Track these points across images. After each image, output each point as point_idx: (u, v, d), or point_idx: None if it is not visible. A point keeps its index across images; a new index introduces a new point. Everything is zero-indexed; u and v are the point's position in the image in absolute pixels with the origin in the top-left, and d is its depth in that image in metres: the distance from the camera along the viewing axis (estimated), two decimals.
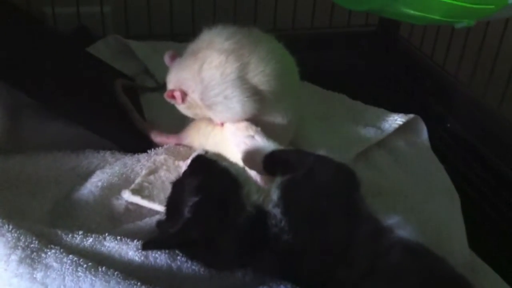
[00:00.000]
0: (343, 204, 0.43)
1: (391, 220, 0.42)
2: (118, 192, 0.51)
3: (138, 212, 0.51)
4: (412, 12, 0.50)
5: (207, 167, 0.44)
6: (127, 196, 0.50)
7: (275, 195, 0.43)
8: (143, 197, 0.50)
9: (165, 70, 0.70)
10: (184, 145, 0.57)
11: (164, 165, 0.53)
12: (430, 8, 0.49)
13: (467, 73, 0.76)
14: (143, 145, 0.56)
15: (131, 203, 0.51)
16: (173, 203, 0.44)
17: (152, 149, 0.56)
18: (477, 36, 0.74)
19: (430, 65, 0.82)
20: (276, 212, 0.42)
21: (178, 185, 0.44)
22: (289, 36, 0.84)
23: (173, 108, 0.66)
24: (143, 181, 0.51)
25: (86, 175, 0.53)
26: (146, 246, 0.42)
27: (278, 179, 0.44)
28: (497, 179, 0.67)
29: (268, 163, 0.47)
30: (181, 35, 0.78)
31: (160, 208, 0.49)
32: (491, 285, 0.50)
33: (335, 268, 0.40)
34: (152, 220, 0.49)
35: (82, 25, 0.77)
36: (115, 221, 0.50)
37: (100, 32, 0.78)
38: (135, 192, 0.50)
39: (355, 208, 0.43)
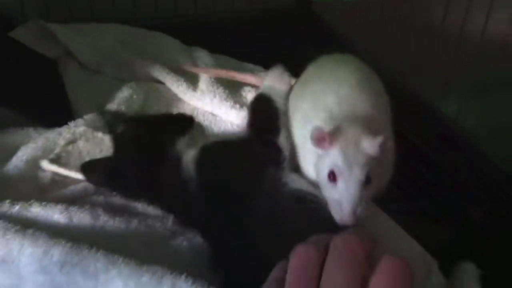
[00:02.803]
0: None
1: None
2: None
3: (64, 182, 0.54)
4: None
5: None
6: (45, 165, 0.54)
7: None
8: (60, 165, 0.54)
9: (87, 51, 0.74)
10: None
11: (83, 136, 0.57)
12: None
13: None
14: (65, 119, 0.60)
15: (56, 174, 0.54)
16: None
17: (73, 121, 0.59)
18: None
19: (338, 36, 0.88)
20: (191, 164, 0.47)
21: None
22: (211, 16, 0.90)
23: (96, 87, 0.70)
24: (61, 151, 0.55)
25: (11, 152, 0.56)
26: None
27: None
28: None
29: None
30: (102, 18, 0.82)
31: (77, 175, 0.53)
32: None
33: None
34: (76, 187, 0.53)
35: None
36: (43, 192, 0.53)
37: (20, 17, 0.79)
38: (52, 161, 0.54)
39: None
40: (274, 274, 0.35)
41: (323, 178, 0.43)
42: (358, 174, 0.42)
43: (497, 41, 0.64)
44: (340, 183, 0.42)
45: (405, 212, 0.50)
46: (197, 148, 0.48)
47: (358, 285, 0.31)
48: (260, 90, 0.58)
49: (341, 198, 0.42)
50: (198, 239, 0.48)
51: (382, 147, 0.42)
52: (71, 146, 0.55)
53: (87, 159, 0.54)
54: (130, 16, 0.86)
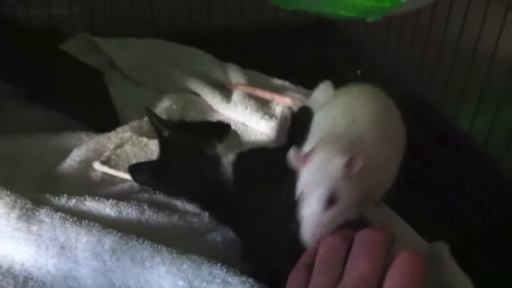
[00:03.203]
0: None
1: None
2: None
3: (112, 181, 0.61)
4: (329, 11, 0.62)
5: None
6: (97, 166, 0.61)
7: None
8: (110, 166, 0.60)
9: (128, 63, 0.81)
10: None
11: (130, 141, 0.64)
12: (343, 7, 0.61)
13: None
14: (112, 124, 0.66)
15: (106, 174, 0.61)
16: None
17: (120, 127, 0.66)
18: (410, 26, 0.84)
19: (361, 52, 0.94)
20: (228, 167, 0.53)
21: None
22: (239, 27, 0.96)
23: (138, 96, 0.77)
24: (111, 154, 0.62)
25: (66, 153, 0.63)
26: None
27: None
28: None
29: None
30: (142, 31, 0.89)
31: (125, 176, 0.60)
32: None
33: None
34: (123, 186, 0.59)
35: (52, 26, 0.86)
36: (93, 189, 0.59)
37: (70, 32, 0.87)
38: (103, 163, 0.61)
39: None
40: (303, 258, 0.40)
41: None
42: (319, 193, 0.42)
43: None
44: (305, 201, 0.42)
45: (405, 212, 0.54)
46: (234, 153, 0.54)
47: (379, 274, 0.35)
48: (305, 103, 0.64)
49: (304, 217, 0.42)
50: (231, 234, 0.53)
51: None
52: (119, 150, 0.62)
53: (133, 161, 0.60)
54: (165, 28, 0.93)
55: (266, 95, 0.74)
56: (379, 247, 0.37)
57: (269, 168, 0.52)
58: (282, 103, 0.73)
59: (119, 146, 0.63)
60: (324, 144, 0.45)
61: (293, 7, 0.64)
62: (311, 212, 0.42)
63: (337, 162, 0.42)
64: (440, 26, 0.77)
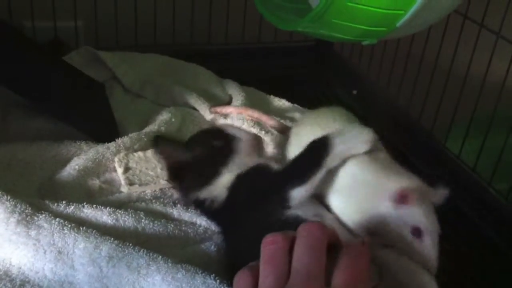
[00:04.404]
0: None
1: None
2: (93, 174, 0.63)
3: (110, 190, 0.62)
4: (327, 33, 0.65)
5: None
6: (127, 189, 0.62)
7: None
8: (140, 185, 0.62)
9: (130, 77, 0.83)
10: None
11: (130, 160, 0.65)
12: (340, 30, 0.63)
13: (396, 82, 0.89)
14: (112, 136, 0.68)
15: (104, 182, 0.63)
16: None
17: (120, 138, 0.67)
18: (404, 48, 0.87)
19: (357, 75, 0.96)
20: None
21: None
22: (240, 49, 0.98)
23: (138, 109, 0.79)
24: (128, 175, 0.63)
25: (65, 161, 0.64)
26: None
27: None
28: None
29: None
30: (144, 45, 0.92)
31: (157, 187, 0.63)
32: None
33: None
34: (120, 195, 0.61)
35: (57, 37, 0.89)
36: (91, 197, 0.61)
37: (74, 44, 0.89)
38: (131, 185, 0.62)
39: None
40: (250, 264, 0.39)
41: (403, 232, 0.47)
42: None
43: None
44: (426, 240, 0.47)
45: None
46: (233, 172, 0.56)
47: (323, 267, 0.35)
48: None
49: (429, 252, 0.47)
50: (224, 243, 0.55)
51: None
52: (131, 170, 0.64)
53: (150, 173, 0.64)
54: (168, 42, 0.95)
55: (254, 115, 0.75)
56: (319, 239, 0.37)
57: (256, 188, 0.54)
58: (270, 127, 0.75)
59: (127, 167, 0.64)
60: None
61: (292, 29, 0.66)
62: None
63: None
64: (433, 51, 0.80)
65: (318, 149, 0.50)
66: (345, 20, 0.59)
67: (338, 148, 0.49)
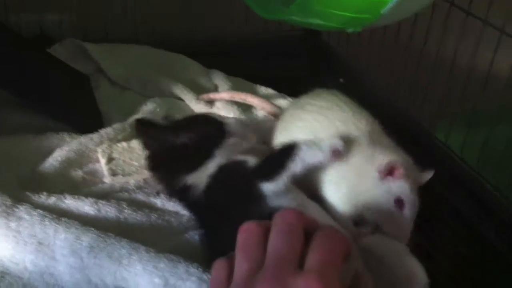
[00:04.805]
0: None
1: None
2: (75, 165, 0.62)
3: (93, 181, 0.62)
4: (314, 21, 0.64)
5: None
6: (110, 179, 0.61)
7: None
8: (123, 175, 0.61)
9: (115, 69, 0.82)
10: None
11: (112, 150, 0.64)
12: (324, 17, 0.63)
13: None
14: (96, 127, 0.67)
15: (87, 173, 0.62)
16: None
17: (103, 129, 0.67)
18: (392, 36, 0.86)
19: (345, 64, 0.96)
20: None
21: None
22: (227, 41, 0.98)
23: (124, 101, 0.78)
24: (111, 166, 0.62)
25: (48, 153, 0.64)
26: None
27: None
28: None
29: None
30: (133, 39, 0.91)
31: (140, 177, 0.62)
32: None
33: None
34: (103, 185, 0.60)
35: (42, 32, 0.87)
36: (74, 188, 0.60)
37: (60, 38, 0.88)
38: (114, 175, 0.61)
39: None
40: (229, 254, 0.38)
41: (388, 204, 0.50)
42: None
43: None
44: (406, 212, 0.50)
45: None
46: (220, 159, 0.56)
47: (297, 251, 0.35)
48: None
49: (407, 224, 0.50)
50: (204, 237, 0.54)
51: None
52: (114, 161, 0.63)
53: (134, 164, 0.63)
54: (155, 36, 0.94)
55: (248, 98, 0.75)
56: (293, 225, 0.36)
57: (231, 183, 0.54)
58: (262, 109, 0.75)
59: (111, 158, 0.63)
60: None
61: (278, 17, 0.65)
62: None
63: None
64: (420, 39, 0.80)
65: (285, 153, 0.52)
66: (329, 7, 0.59)
67: (302, 155, 0.51)
